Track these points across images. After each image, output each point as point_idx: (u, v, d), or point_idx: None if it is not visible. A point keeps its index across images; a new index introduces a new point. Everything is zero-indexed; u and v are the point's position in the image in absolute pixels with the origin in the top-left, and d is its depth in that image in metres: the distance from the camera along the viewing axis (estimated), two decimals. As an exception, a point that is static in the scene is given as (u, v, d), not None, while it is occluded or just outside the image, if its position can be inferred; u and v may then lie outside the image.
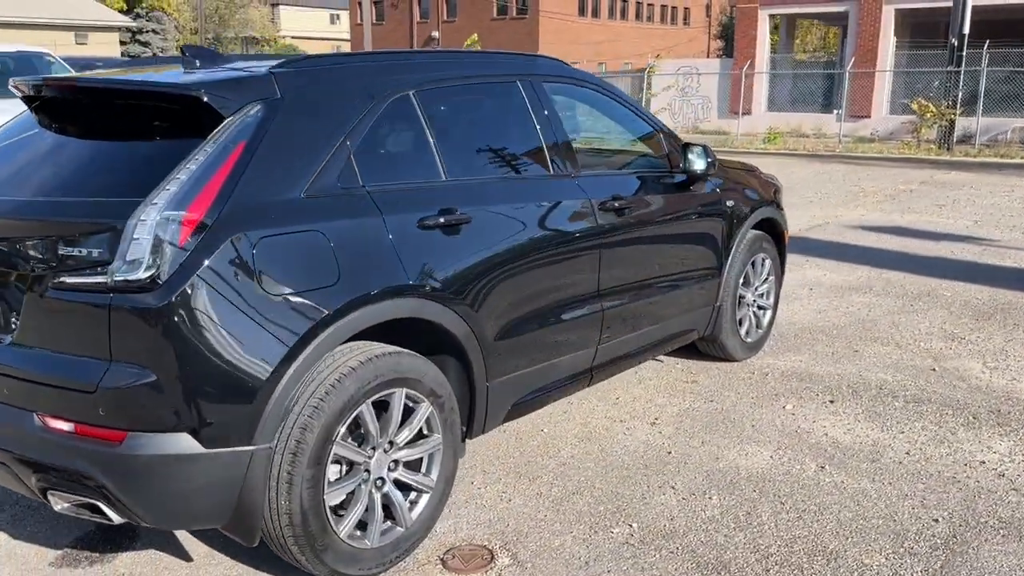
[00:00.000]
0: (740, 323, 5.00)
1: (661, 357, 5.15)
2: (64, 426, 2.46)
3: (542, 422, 4.23)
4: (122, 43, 48.66)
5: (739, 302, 4.95)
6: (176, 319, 2.36)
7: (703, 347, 5.00)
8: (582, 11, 49.03)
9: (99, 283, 2.38)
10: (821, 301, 6.53)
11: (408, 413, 2.96)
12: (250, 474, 2.51)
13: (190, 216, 2.41)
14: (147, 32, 49.98)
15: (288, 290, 2.55)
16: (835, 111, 22.93)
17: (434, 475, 3.08)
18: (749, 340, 5.10)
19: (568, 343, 3.66)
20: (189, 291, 2.37)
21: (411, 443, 2.99)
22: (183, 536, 3.18)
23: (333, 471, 2.79)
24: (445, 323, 3.01)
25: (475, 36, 28.05)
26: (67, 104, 2.93)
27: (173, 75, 2.86)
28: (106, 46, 31.37)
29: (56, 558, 3.08)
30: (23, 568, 3.01)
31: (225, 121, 2.60)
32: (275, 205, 2.59)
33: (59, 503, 2.57)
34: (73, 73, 9.03)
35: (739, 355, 5.03)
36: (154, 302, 2.35)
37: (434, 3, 49.38)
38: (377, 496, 2.89)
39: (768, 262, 5.14)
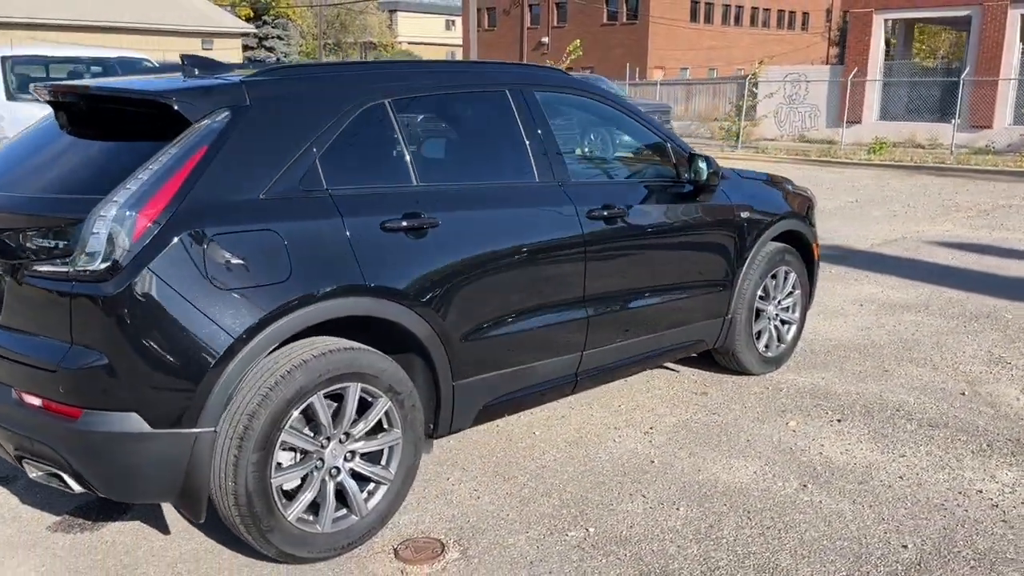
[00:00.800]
0: (758, 337, 4.92)
1: (676, 367, 5.13)
2: (35, 401, 2.72)
3: (536, 425, 4.30)
4: (249, 48, 51.19)
5: (757, 315, 4.88)
6: (126, 307, 2.58)
7: (719, 359, 4.96)
8: (694, 17, 48.37)
9: (63, 272, 2.62)
10: (868, 318, 6.32)
11: (366, 407, 3.10)
12: (195, 454, 2.71)
13: (145, 213, 2.62)
14: (272, 38, 52.35)
15: (237, 285, 2.73)
16: (952, 121, 21.86)
17: (393, 468, 3.20)
18: (769, 354, 5.01)
19: (547, 348, 3.72)
20: (140, 282, 2.59)
21: (369, 436, 3.13)
22: (168, 511, 3.41)
23: (286, 457, 2.96)
24: (405, 323, 3.13)
25: (577, 42, 28.03)
26: (69, 108, 3.20)
27: (159, 82, 3.10)
28: (230, 52, 33.01)
29: (53, 523, 3.37)
30: (22, 529, 3.31)
31: (192, 126, 2.81)
32: (231, 205, 2.78)
33: (32, 471, 2.83)
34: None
35: (756, 369, 4.95)
36: (107, 291, 2.58)
37: (545, 9, 49.72)
38: (331, 484, 3.04)
39: (792, 275, 5.04)
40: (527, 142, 3.69)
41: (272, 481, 2.85)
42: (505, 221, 3.50)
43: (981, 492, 3.62)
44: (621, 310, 4.02)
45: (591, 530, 3.31)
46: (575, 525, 3.34)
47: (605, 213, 3.84)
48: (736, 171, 4.90)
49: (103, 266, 2.58)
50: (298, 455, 2.98)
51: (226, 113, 2.87)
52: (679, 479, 3.73)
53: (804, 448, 4.05)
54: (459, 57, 58.92)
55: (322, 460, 3.01)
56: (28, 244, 2.75)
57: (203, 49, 32.12)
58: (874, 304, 6.74)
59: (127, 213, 2.61)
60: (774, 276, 4.93)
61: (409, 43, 68.29)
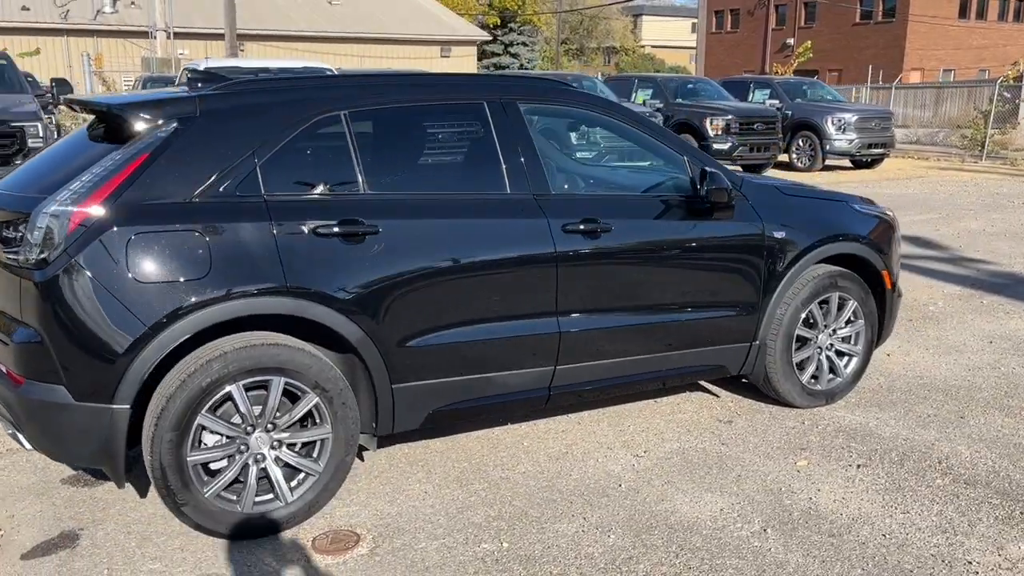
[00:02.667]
0: (802, 366, 4.55)
1: (717, 391, 4.87)
2: (2, 368, 3.19)
3: (531, 435, 4.29)
4: (494, 55, 53.58)
5: (804, 343, 4.52)
6: (56, 293, 2.96)
7: (761, 387, 4.64)
8: (963, 13, 43.96)
9: (16, 259, 3.05)
10: (987, 357, 5.58)
11: (295, 400, 3.30)
12: (112, 428, 3.04)
13: (79, 211, 2.99)
14: (517, 45, 54.40)
15: (156, 279, 3.03)
16: None
17: (322, 462, 3.38)
18: (817, 387, 4.62)
19: (509, 360, 3.71)
20: (67, 272, 2.96)
21: (297, 428, 3.33)
22: (156, 477, 3.82)
23: (212, 439, 3.23)
24: (331, 324, 3.29)
25: (808, 43, 26.63)
26: (87, 118, 3.69)
27: (136, 95, 3.49)
28: (466, 59, 34.79)
29: (68, 476, 3.89)
30: (42, 479, 3.85)
31: (140, 134, 3.16)
32: (160, 207, 3.08)
33: (5, 428, 3.32)
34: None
35: (798, 401, 4.58)
36: (42, 278, 2.97)
37: (792, 9, 47.44)
38: (254, 469, 3.28)
39: (851, 303, 4.60)
40: (501, 154, 3.71)
41: (188, 459, 3.13)
42: (458, 232, 3.55)
43: (971, 564, 3.16)
44: (606, 328, 3.91)
45: (505, 545, 3.29)
46: (494, 539, 3.34)
47: (582, 227, 3.76)
48: (782, 187, 4.57)
49: (42, 256, 2.98)
50: (224, 438, 3.24)
51: (174, 124, 3.20)
52: (633, 506, 3.58)
53: (796, 491, 3.72)
54: (695, 60, 57.64)
55: (247, 446, 3.25)
56: (7, 235, 3.21)
57: (441, 57, 34.08)
58: (1008, 342, 5.92)
59: (63, 210, 2.99)
60: (824, 303, 4.53)
61: (652, 47, 68.01)
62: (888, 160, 19.08)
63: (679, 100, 16.99)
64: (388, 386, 3.48)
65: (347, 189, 3.42)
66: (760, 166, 17.08)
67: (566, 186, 4.05)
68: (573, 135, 4.85)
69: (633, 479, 3.83)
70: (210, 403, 3.14)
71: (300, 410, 3.31)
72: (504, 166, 3.71)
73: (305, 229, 3.26)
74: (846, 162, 18.62)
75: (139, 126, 3.18)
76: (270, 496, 3.33)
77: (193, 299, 3.06)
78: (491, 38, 45.10)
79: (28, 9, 28.77)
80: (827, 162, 17.85)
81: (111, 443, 3.07)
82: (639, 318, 4.00)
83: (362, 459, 4.00)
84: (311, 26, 31.71)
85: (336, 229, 3.30)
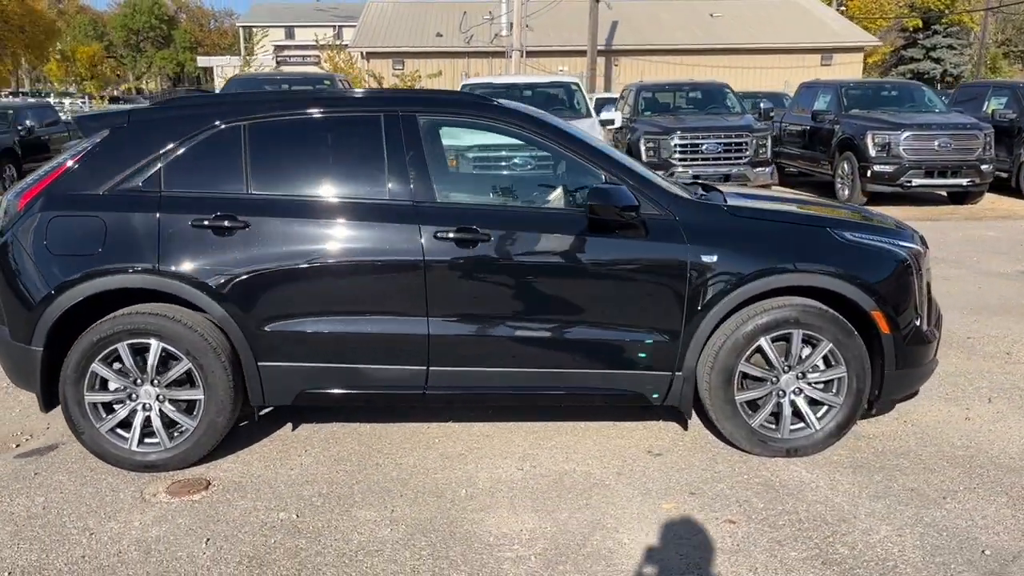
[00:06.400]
0: (754, 407, 4.06)
1: (695, 423, 4.48)
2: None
3: (448, 434, 4.42)
4: (913, 60, 48.95)
5: (758, 382, 4.04)
6: (2, 258, 3.95)
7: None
8: None
9: (-7, 232, 4.11)
10: (1106, 439, 4.31)
11: (177, 363, 3.96)
12: (31, 364, 3.95)
13: (24, 198, 3.96)
14: (940, 48, 49.16)
15: (62, 253, 3.88)
16: None
17: (196, 420, 3.99)
18: (775, 435, 4.07)
19: (377, 355, 3.96)
20: (8, 243, 3.94)
21: (176, 387, 3.98)
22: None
23: (114, 385, 4.01)
24: (196, 302, 3.89)
25: None
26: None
27: (98, 111, 4.40)
28: (851, 66, 32.48)
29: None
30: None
31: (83, 140, 4.05)
32: (76, 197, 3.92)
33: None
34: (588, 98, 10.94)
35: (745, 446, 4.08)
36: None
37: None
38: (140, 415, 4.00)
39: (824, 344, 3.97)
40: (387, 163, 3.96)
41: (86, 397, 3.94)
42: (326, 232, 3.88)
43: (691, 641, 2.75)
44: (484, 336, 3.94)
45: (296, 517, 3.60)
46: (296, 510, 3.65)
47: (453, 235, 3.85)
48: (735, 208, 4.11)
49: (2, 230, 3.99)
50: (122, 385, 4.00)
51: (106, 132, 4.03)
52: (444, 511, 3.64)
53: (619, 529, 3.45)
54: None
55: (136, 395, 3.99)
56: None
57: (821, 65, 32.16)
58: None
59: (15, 195, 3.98)
60: (783, 340, 3.99)
61: None
62: None
63: (1039, 110, 14.38)
64: (254, 362, 3.97)
65: (232, 188, 3.97)
66: None
67: (450, 195, 4.15)
68: (514, 150, 4.84)
69: (484, 489, 3.84)
70: (102, 355, 3.92)
71: (175, 372, 3.95)
72: (387, 174, 3.97)
73: (185, 220, 3.89)
74: None
75: (87, 134, 4.07)
76: (155, 440, 4.02)
77: (82, 271, 3.86)
78: (875, 43, 41.24)
79: (441, 35, 33.32)
80: None
81: (32, 375, 3.99)
82: (522, 330, 3.96)
83: (294, 429, 4.52)
84: (687, 40, 32.17)
85: (207, 222, 3.88)
